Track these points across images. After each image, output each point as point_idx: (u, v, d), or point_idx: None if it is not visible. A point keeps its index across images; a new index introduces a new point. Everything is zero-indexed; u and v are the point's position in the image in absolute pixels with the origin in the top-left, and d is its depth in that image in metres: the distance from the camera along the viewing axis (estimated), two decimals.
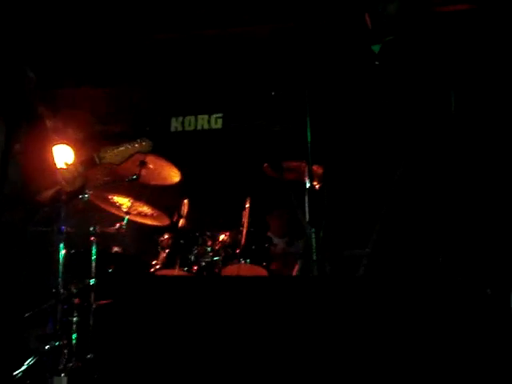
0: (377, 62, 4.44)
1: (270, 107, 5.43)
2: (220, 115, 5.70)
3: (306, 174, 4.35)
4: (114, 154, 4.40)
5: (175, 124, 5.69)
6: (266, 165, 5.77)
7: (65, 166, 4.55)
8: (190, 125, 5.69)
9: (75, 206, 4.86)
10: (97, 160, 4.37)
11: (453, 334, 3.42)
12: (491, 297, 3.59)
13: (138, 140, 4.46)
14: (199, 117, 5.73)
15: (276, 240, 6.09)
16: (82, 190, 4.65)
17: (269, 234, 6.06)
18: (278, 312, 3.64)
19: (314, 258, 3.95)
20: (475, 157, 4.59)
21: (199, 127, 5.69)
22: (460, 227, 4.42)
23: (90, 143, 5.78)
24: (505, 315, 3.55)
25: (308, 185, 4.23)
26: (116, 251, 5.42)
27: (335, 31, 4.48)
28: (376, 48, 4.40)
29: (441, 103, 4.32)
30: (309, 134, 4.15)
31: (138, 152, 4.53)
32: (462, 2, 5.64)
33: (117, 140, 5.56)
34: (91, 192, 5.06)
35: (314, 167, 4.68)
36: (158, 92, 6.22)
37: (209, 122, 5.71)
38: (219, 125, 5.68)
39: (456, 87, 4.31)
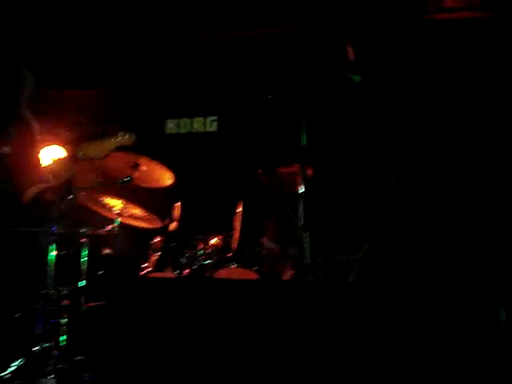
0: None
1: (266, 111, 5.42)
2: (215, 118, 5.67)
3: (301, 178, 4.33)
4: (95, 148, 4.34)
5: (170, 126, 5.65)
6: (260, 171, 5.74)
7: (51, 161, 4.49)
8: (185, 127, 5.66)
9: (59, 206, 4.81)
10: (79, 155, 4.31)
11: (446, 340, 3.41)
12: (485, 301, 3.59)
13: (120, 133, 4.38)
14: (195, 119, 5.69)
15: (271, 245, 6.05)
16: (68, 189, 4.60)
17: (264, 239, 6.02)
18: (271, 316, 3.62)
19: (308, 262, 3.94)
20: (470, 162, 4.58)
21: (194, 130, 5.66)
22: (454, 232, 4.42)
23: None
24: (495, 320, 3.55)
25: (302, 189, 4.22)
26: (107, 253, 5.38)
27: (333, 38, 4.48)
28: (357, 78, 4.39)
29: (437, 109, 4.32)
30: (304, 137, 4.14)
31: (120, 145, 4.44)
32: (459, 10, 5.67)
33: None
34: (82, 193, 5.03)
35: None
36: (154, 94, 6.19)
37: (204, 124, 5.68)
38: (214, 128, 5.65)
39: (453, 93, 4.31)
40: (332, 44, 4.49)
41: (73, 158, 4.31)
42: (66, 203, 4.74)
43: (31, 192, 4.57)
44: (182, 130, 5.64)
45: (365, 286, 3.86)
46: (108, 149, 4.36)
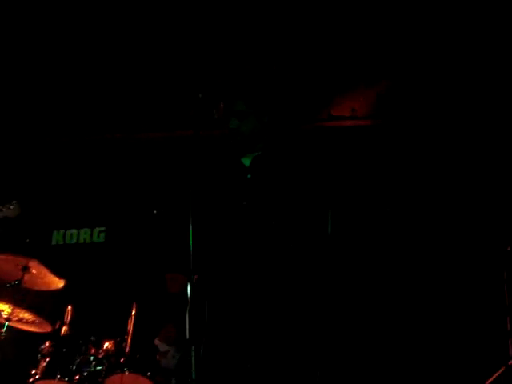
0: (248, 176, 4.47)
1: (153, 223, 5.42)
2: (103, 229, 5.63)
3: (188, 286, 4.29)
4: None
5: (56, 237, 5.57)
6: (167, 275, 5.67)
7: None
8: (71, 238, 5.58)
9: None
10: None
11: None
12: None
13: (7, 205, 4.25)
14: (81, 230, 5.64)
15: (165, 347, 5.93)
16: None
17: (158, 341, 5.89)
18: None
19: (194, 376, 3.85)
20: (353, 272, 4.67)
21: (81, 241, 5.60)
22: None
23: None
24: None
25: (189, 298, 4.17)
26: None
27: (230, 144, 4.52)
28: (246, 161, 4.44)
29: (317, 223, 4.37)
30: (191, 245, 4.11)
31: (5, 216, 4.32)
32: (345, 119, 5.90)
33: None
34: None
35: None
36: (39, 204, 6.11)
37: (91, 235, 5.62)
38: (102, 238, 5.60)
39: (333, 207, 4.39)
40: (229, 150, 4.54)
41: None
42: None
43: None
44: (69, 241, 5.57)
45: None
46: None
